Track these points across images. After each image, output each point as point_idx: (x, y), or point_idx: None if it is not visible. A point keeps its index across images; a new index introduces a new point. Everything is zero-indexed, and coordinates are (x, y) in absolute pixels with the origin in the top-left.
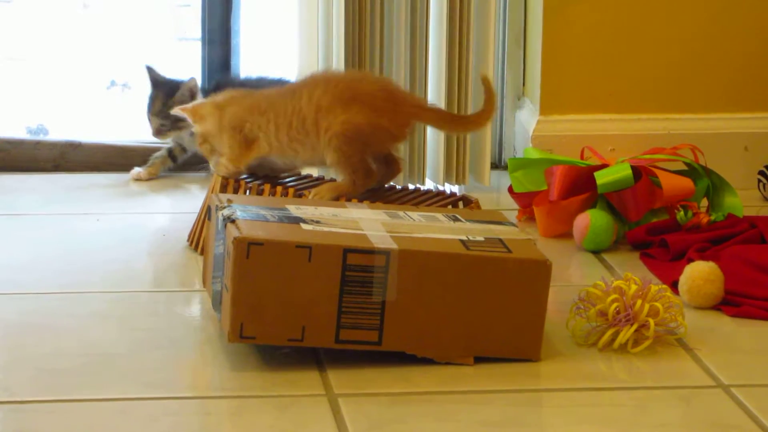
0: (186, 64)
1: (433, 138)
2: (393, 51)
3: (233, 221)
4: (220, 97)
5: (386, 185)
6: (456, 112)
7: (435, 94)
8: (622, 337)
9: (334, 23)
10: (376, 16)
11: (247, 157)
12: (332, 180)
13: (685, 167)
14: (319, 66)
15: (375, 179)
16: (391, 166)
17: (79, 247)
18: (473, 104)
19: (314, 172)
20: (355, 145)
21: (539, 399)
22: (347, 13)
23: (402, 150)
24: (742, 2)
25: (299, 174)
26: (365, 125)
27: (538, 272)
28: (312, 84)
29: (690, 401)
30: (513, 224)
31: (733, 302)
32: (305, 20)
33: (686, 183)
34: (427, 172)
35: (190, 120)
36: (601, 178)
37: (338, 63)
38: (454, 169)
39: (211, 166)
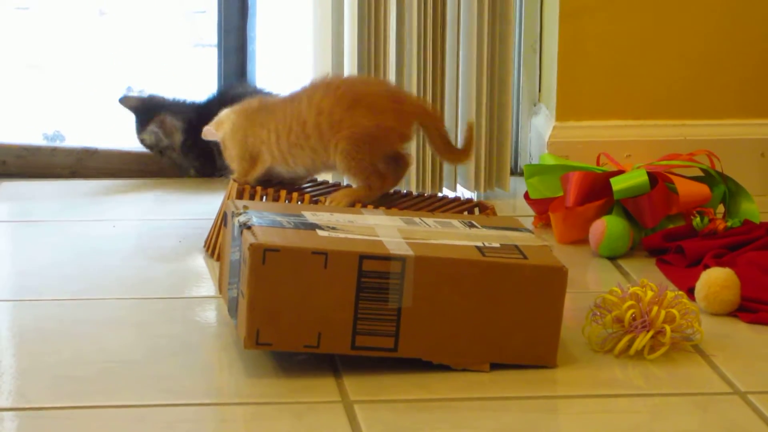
0: (202, 71)
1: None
2: (408, 58)
3: (249, 227)
4: (237, 105)
5: (403, 191)
6: (474, 119)
7: (450, 102)
8: (638, 344)
9: (347, 30)
10: (391, 23)
11: (254, 172)
12: (348, 186)
13: (701, 173)
14: (332, 71)
15: (390, 183)
16: (399, 163)
17: (96, 253)
18: (491, 112)
19: (329, 178)
20: (365, 149)
21: (555, 406)
22: (361, 19)
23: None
24: (757, 8)
25: (315, 180)
26: (372, 128)
27: (554, 279)
28: (311, 89)
29: (706, 408)
30: (529, 230)
31: (749, 309)
32: (319, 27)
33: (702, 189)
34: (458, 179)
35: (215, 133)
36: (617, 184)
37: (352, 70)
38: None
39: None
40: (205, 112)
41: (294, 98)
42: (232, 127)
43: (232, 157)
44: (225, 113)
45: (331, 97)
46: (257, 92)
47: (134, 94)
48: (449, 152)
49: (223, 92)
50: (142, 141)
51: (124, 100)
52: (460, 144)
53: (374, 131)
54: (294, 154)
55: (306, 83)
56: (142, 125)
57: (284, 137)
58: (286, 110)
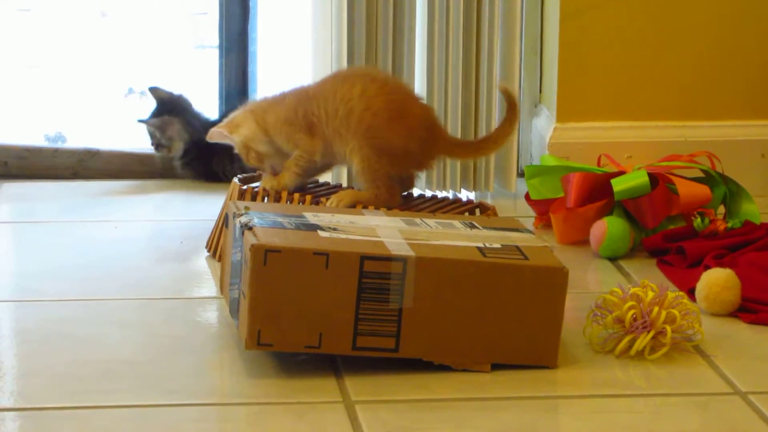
0: (203, 72)
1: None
2: (408, 61)
3: (250, 228)
4: (247, 105)
5: (404, 192)
6: (476, 119)
7: (453, 103)
8: (639, 344)
9: (347, 32)
10: (392, 26)
11: (316, 143)
12: (350, 187)
13: (702, 174)
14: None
15: (397, 200)
16: (405, 183)
17: (97, 254)
18: (497, 113)
19: (329, 179)
20: (384, 160)
21: (556, 406)
22: (362, 21)
23: None
24: (758, 10)
25: (317, 181)
26: (400, 147)
27: (555, 279)
28: (367, 78)
29: (707, 408)
30: (530, 231)
31: (750, 309)
32: (319, 29)
33: (703, 190)
34: (460, 180)
35: (227, 135)
36: (618, 185)
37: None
38: (475, 176)
39: (266, 172)
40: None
41: (347, 79)
42: (257, 119)
43: (283, 143)
44: (238, 117)
45: (383, 100)
46: None
47: (166, 89)
48: (488, 147)
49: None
50: (146, 127)
51: (154, 91)
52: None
53: (400, 151)
54: (335, 139)
55: (363, 67)
56: (154, 114)
57: (332, 118)
58: (336, 89)
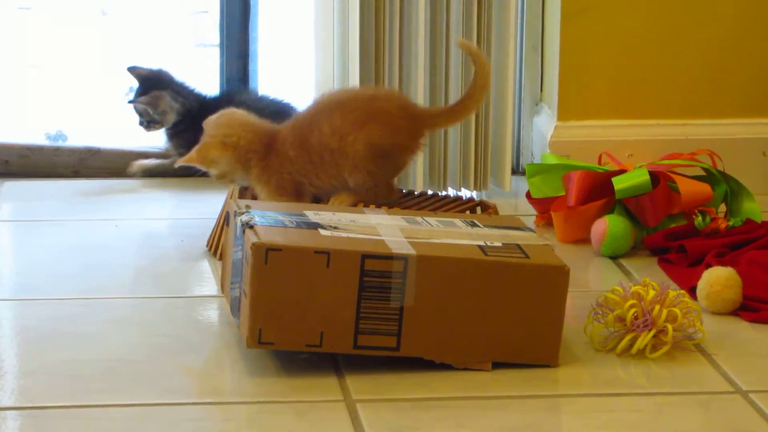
0: (204, 71)
1: (454, 144)
2: (411, 59)
3: (251, 227)
4: (220, 131)
5: (405, 190)
6: (476, 116)
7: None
8: (640, 343)
9: (350, 31)
10: (395, 24)
11: (304, 201)
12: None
13: (703, 173)
14: (335, 72)
15: (396, 196)
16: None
17: (99, 253)
18: (493, 109)
19: None
20: (379, 162)
21: (557, 404)
22: (363, 20)
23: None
24: (759, 8)
25: None
26: (387, 145)
27: (556, 278)
28: (327, 111)
29: (708, 407)
30: (531, 230)
31: (751, 308)
32: (321, 27)
33: (704, 188)
34: (460, 178)
35: (200, 167)
36: (619, 183)
37: (353, 70)
38: (474, 174)
39: (239, 184)
40: (208, 106)
41: (312, 125)
42: (234, 154)
43: (264, 195)
44: (212, 151)
45: (349, 120)
46: (261, 99)
47: (144, 66)
48: (468, 107)
49: (228, 94)
50: (134, 107)
51: (134, 70)
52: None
53: (388, 149)
54: (330, 182)
55: (316, 102)
56: (139, 93)
57: (321, 169)
58: (312, 140)
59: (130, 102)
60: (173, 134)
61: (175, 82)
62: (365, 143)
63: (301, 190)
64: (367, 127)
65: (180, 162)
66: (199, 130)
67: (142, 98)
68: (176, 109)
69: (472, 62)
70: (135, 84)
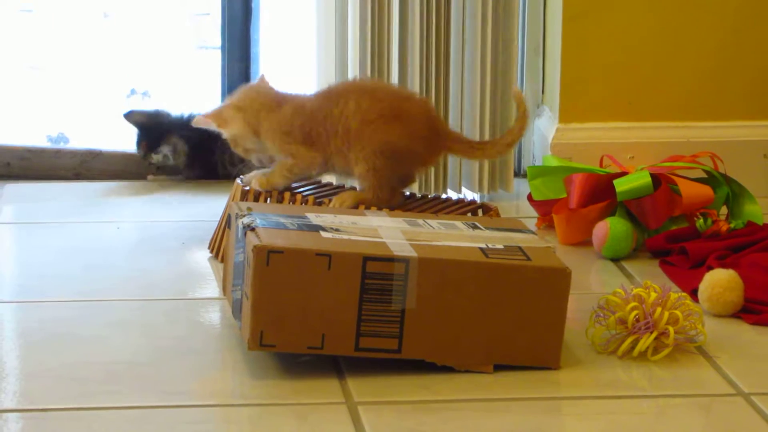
0: (206, 73)
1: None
2: (412, 58)
3: (253, 229)
4: (236, 97)
5: (406, 193)
6: (481, 120)
7: (455, 102)
8: (641, 345)
9: (351, 33)
10: (397, 26)
11: (316, 157)
12: (353, 188)
13: (704, 175)
14: (336, 74)
15: (398, 199)
16: (404, 181)
17: (100, 255)
18: (495, 111)
19: (333, 180)
20: (388, 163)
21: (559, 407)
22: (365, 22)
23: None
24: (761, 10)
25: (319, 182)
26: (403, 148)
27: (558, 280)
28: (358, 92)
29: (710, 409)
30: (532, 232)
31: (753, 310)
32: (323, 29)
33: (706, 191)
34: (462, 180)
35: (215, 126)
36: (621, 185)
37: (355, 73)
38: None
39: (255, 162)
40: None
41: (340, 97)
42: (246, 118)
43: (272, 149)
44: (226, 111)
45: (377, 109)
46: None
47: (139, 108)
48: (494, 150)
49: None
50: (149, 158)
51: (130, 116)
52: (512, 125)
53: (403, 152)
54: (335, 160)
55: (352, 80)
56: (151, 145)
57: (333, 137)
58: (332, 109)
59: (143, 154)
60: (187, 169)
61: (174, 120)
62: (382, 138)
63: (311, 141)
64: (390, 123)
65: (196, 121)
66: (207, 151)
67: (162, 149)
68: (185, 151)
69: (518, 115)
70: (136, 84)
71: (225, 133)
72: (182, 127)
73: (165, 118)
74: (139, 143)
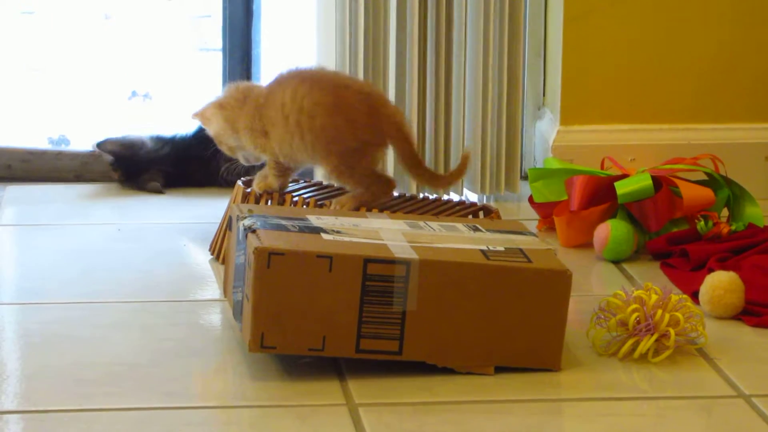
0: (207, 75)
1: (456, 147)
2: (412, 60)
3: (254, 231)
4: (221, 95)
5: (407, 194)
6: (483, 121)
7: (458, 103)
8: (642, 347)
9: (352, 36)
10: (398, 28)
11: (272, 146)
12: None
13: (705, 177)
14: None
15: (393, 186)
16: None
17: (101, 256)
18: (497, 113)
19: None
20: (351, 162)
21: (560, 409)
22: (366, 23)
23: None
24: (762, 13)
25: (320, 183)
26: (353, 143)
27: (559, 282)
28: (299, 78)
29: (710, 411)
30: (533, 234)
31: (753, 312)
32: (323, 31)
33: (707, 193)
34: (464, 182)
35: (200, 121)
36: (622, 188)
37: (356, 73)
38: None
39: (241, 160)
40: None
41: (281, 84)
42: (225, 116)
43: (246, 145)
44: (209, 110)
45: (313, 99)
46: None
47: (112, 137)
48: (419, 174)
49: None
50: (125, 185)
51: (103, 145)
52: (453, 167)
53: (355, 145)
54: (291, 149)
55: (298, 69)
56: (127, 176)
57: (279, 126)
58: (276, 97)
59: (120, 181)
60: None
61: (148, 149)
62: (332, 140)
63: (269, 134)
64: (333, 117)
65: (192, 115)
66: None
67: (149, 185)
68: (160, 182)
69: (458, 167)
70: (137, 87)
71: (210, 133)
72: (158, 161)
73: (140, 149)
74: (114, 169)
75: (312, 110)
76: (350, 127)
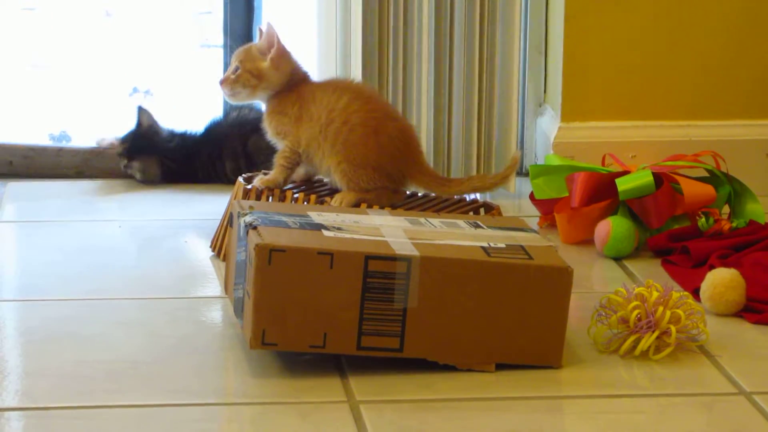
0: (208, 71)
1: (457, 145)
2: (414, 62)
3: (255, 228)
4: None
5: (408, 191)
6: (479, 119)
7: (458, 102)
8: (643, 344)
9: (352, 32)
10: (398, 25)
11: (301, 134)
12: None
13: (706, 174)
14: (337, 74)
15: (400, 197)
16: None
17: (102, 253)
18: (496, 111)
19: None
20: (360, 173)
21: (561, 406)
22: (366, 22)
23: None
24: (763, 9)
25: (321, 181)
26: (373, 162)
27: (560, 279)
28: (356, 92)
29: (712, 408)
30: (534, 231)
31: (754, 309)
32: (324, 28)
33: (708, 190)
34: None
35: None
36: (623, 184)
37: (356, 72)
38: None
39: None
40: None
41: (336, 90)
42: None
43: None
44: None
45: (362, 116)
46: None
47: (150, 112)
48: (449, 192)
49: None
50: (121, 161)
51: (142, 113)
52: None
53: (374, 167)
54: (313, 150)
55: (354, 81)
56: (130, 152)
57: (316, 124)
58: (324, 98)
59: (121, 156)
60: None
61: (162, 139)
62: (359, 154)
63: (301, 124)
64: (368, 137)
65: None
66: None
67: (135, 164)
68: (158, 174)
69: (506, 168)
70: (138, 83)
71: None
72: (165, 151)
73: (154, 134)
74: (123, 139)
75: (355, 126)
76: (377, 150)
